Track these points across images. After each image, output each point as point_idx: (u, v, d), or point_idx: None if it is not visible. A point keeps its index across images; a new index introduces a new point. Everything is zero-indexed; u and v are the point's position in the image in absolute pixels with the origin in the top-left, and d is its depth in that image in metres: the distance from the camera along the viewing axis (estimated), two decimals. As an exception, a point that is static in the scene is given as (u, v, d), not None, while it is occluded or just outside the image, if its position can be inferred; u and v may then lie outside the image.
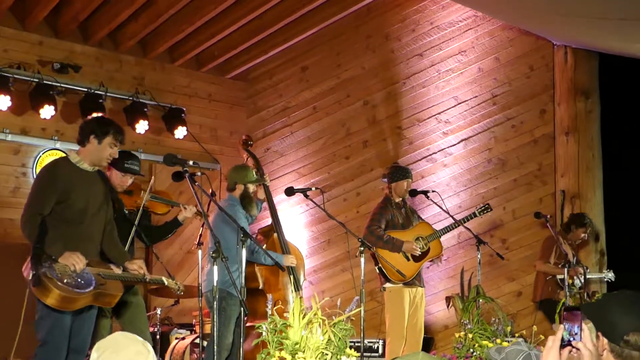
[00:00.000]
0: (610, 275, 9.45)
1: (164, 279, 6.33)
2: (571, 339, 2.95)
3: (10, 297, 7.51)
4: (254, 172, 8.02)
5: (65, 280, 5.37)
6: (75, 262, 5.50)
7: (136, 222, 6.70)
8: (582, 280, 8.83)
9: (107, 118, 6.43)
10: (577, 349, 2.93)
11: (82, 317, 5.89)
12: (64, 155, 6.13)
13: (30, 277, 5.34)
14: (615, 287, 9.60)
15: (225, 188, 7.92)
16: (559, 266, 9.07)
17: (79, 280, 5.47)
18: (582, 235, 9.42)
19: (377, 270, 8.23)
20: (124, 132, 6.10)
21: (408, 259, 8.31)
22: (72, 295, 5.41)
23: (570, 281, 9.21)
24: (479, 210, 8.77)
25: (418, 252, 8.34)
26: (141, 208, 6.78)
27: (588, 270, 9.21)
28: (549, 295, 9.34)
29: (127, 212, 6.83)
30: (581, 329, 2.95)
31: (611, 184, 10.14)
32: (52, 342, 5.69)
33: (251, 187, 7.87)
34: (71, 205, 5.77)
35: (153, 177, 7.46)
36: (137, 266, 6.01)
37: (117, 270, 5.98)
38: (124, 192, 6.89)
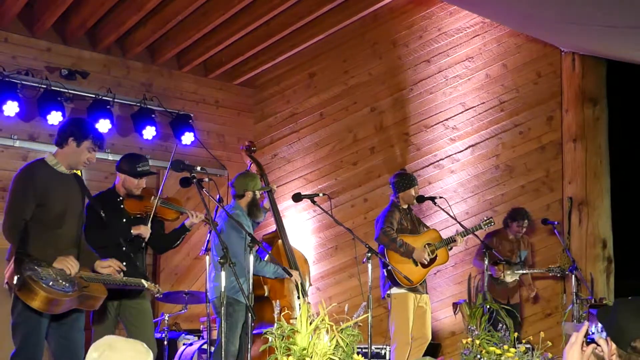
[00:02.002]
0: (556, 269, 9.37)
1: (143, 281, 6.27)
2: (595, 335, 2.97)
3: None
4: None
5: (50, 283, 5.31)
6: (70, 265, 5.46)
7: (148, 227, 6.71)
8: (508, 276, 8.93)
9: (87, 122, 6.33)
10: (599, 345, 2.95)
11: (67, 324, 5.82)
12: (40, 158, 6.06)
13: (14, 281, 5.26)
14: (621, 293, 9.59)
15: (232, 194, 7.91)
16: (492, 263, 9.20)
17: (63, 282, 5.42)
18: (517, 228, 9.50)
19: (385, 273, 8.23)
20: (103, 137, 6.07)
21: (416, 264, 8.33)
22: (58, 297, 5.34)
23: (502, 276, 9.27)
24: (484, 222, 8.82)
25: (426, 262, 8.38)
26: (152, 213, 6.78)
27: (520, 262, 9.28)
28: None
29: (132, 217, 6.83)
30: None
31: (619, 190, 10.13)
32: (27, 351, 5.60)
33: (258, 194, 7.88)
34: (50, 208, 5.70)
35: (162, 184, 7.42)
36: (106, 265, 5.92)
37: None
38: (133, 196, 6.88)
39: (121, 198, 6.84)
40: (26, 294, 5.26)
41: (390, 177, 8.78)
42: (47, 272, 5.35)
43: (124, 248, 6.59)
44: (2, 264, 5.64)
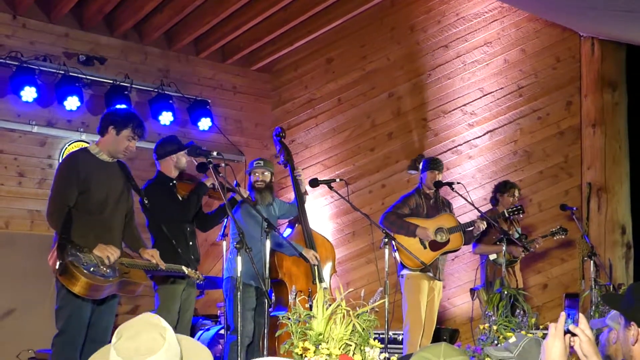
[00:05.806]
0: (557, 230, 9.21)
1: (183, 267, 6.37)
2: (569, 325, 2.90)
3: (38, 287, 7.60)
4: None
5: (91, 269, 5.43)
6: (110, 253, 5.59)
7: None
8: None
9: (129, 110, 6.42)
10: (575, 335, 2.89)
11: (102, 307, 5.94)
12: (83, 147, 6.19)
13: (57, 266, 5.40)
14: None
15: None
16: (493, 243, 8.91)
17: (104, 268, 5.51)
18: (510, 199, 9.16)
19: (399, 257, 8.17)
20: (144, 126, 6.12)
21: (425, 247, 8.25)
22: (99, 282, 5.48)
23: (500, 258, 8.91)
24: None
25: (430, 239, 8.26)
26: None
27: (525, 236, 9.02)
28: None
29: (181, 198, 6.92)
30: (579, 316, 2.91)
31: (638, 176, 10.04)
32: (68, 332, 5.76)
33: (254, 177, 7.86)
34: (91, 195, 5.82)
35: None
36: (149, 255, 6.04)
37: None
38: (183, 181, 7.03)
39: (174, 182, 6.92)
40: (68, 279, 5.41)
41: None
42: (88, 258, 5.50)
43: (188, 228, 6.90)
44: (48, 250, 5.77)
